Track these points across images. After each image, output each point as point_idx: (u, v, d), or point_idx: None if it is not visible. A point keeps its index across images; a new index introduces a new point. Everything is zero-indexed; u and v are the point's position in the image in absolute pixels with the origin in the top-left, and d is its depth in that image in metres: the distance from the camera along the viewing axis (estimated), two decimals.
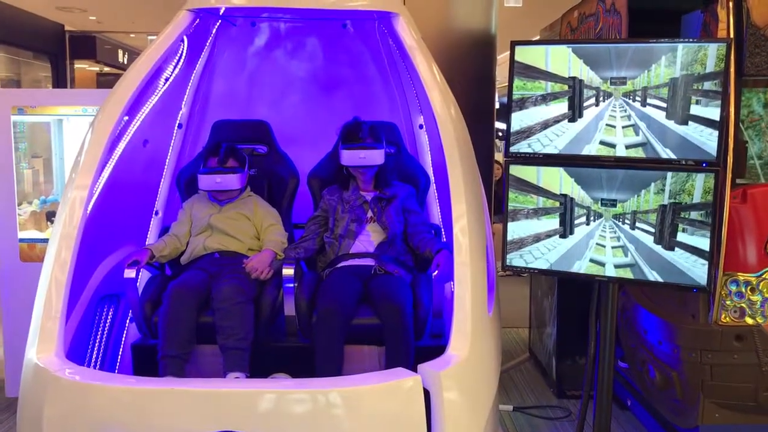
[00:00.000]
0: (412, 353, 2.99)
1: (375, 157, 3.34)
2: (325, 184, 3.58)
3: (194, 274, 3.23)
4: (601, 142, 2.72)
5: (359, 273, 3.29)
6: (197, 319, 3.06)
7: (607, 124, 2.70)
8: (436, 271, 3.05)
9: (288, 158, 3.74)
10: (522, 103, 2.80)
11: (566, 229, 2.79)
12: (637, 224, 2.68)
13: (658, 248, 2.65)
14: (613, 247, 2.73)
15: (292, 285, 3.09)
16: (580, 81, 2.71)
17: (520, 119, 2.81)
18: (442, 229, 3.66)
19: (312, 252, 3.43)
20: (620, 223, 2.70)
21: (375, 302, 3.13)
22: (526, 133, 2.81)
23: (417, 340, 3.10)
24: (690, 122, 2.57)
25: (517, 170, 2.84)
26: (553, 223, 2.80)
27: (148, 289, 3.24)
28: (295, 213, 3.73)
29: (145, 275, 3.39)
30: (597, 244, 2.75)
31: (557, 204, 2.79)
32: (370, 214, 3.43)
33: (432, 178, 3.76)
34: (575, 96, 2.73)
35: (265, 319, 3.15)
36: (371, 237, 3.40)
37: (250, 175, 3.53)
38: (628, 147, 2.68)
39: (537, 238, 2.83)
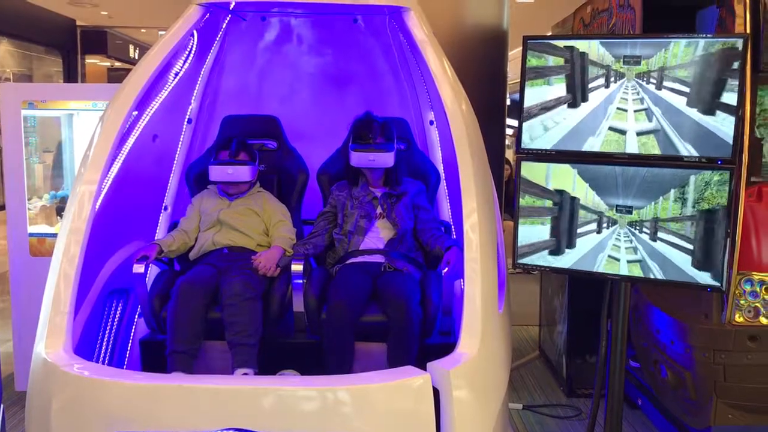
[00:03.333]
0: (415, 350, 2.96)
1: (385, 159, 3.31)
2: (335, 180, 3.56)
3: (203, 270, 3.22)
4: (611, 128, 2.55)
5: (369, 270, 3.27)
6: (205, 314, 3.06)
7: (618, 108, 2.51)
8: (446, 268, 3.02)
9: (297, 154, 3.72)
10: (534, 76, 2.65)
11: (561, 242, 2.57)
12: (660, 234, 2.47)
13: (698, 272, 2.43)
14: (629, 261, 2.56)
15: (301, 281, 3.07)
16: (583, 53, 2.51)
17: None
18: (452, 226, 3.63)
19: (321, 248, 3.41)
20: (637, 232, 2.55)
21: (382, 299, 3.11)
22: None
23: (426, 337, 3.08)
24: (718, 112, 2.33)
25: (529, 170, 2.77)
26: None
27: (157, 285, 3.23)
28: (304, 209, 3.71)
29: (153, 270, 3.38)
30: (609, 256, 2.58)
31: (551, 204, 2.57)
32: (379, 210, 3.40)
33: (442, 174, 3.73)
34: (575, 75, 2.52)
35: (274, 316, 3.14)
36: (381, 233, 3.38)
37: (259, 170, 3.52)
38: (639, 134, 2.51)
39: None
